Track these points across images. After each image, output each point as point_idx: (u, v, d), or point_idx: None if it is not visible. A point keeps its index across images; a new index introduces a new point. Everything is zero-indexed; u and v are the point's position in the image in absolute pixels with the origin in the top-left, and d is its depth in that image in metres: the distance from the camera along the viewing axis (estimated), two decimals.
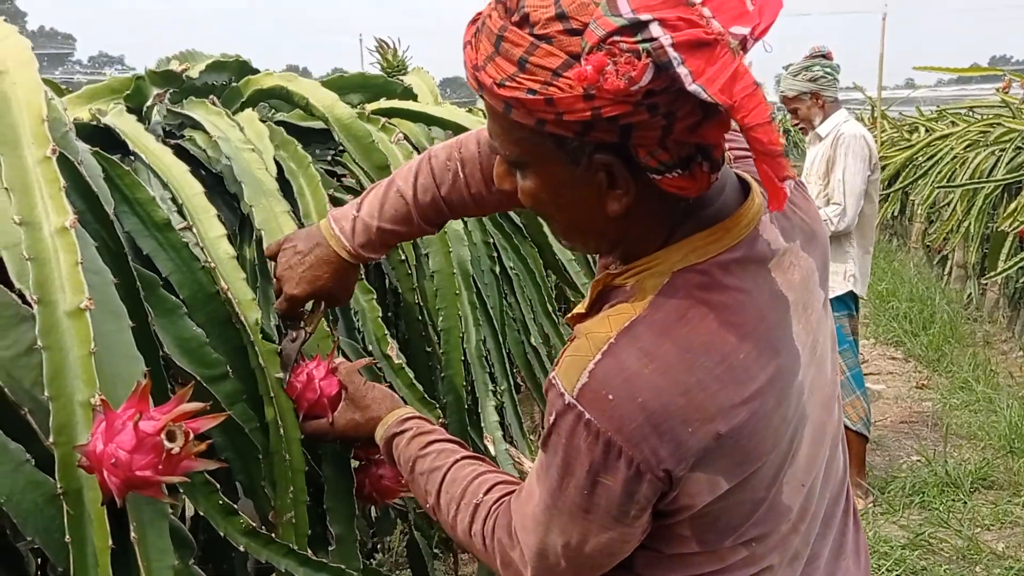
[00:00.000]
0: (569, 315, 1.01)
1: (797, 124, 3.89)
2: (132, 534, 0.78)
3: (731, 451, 0.85)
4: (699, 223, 0.87)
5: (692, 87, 0.70)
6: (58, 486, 0.77)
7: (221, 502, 1.06)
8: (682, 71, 0.70)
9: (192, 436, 0.82)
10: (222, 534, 1.07)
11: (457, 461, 1.08)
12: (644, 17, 0.70)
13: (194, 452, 0.83)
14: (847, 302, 3.68)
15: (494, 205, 1.24)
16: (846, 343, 3.66)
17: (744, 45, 0.73)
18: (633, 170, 0.80)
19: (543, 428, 0.89)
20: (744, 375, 0.83)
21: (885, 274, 8.28)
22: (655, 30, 0.70)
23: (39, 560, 1.07)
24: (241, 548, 1.09)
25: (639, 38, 0.70)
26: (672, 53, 0.70)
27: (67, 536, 0.76)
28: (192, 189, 1.16)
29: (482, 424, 1.70)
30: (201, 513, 1.06)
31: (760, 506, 0.92)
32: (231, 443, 1.14)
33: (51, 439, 0.78)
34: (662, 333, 0.83)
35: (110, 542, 0.76)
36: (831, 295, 4.36)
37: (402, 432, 1.13)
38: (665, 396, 0.81)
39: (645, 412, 0.81)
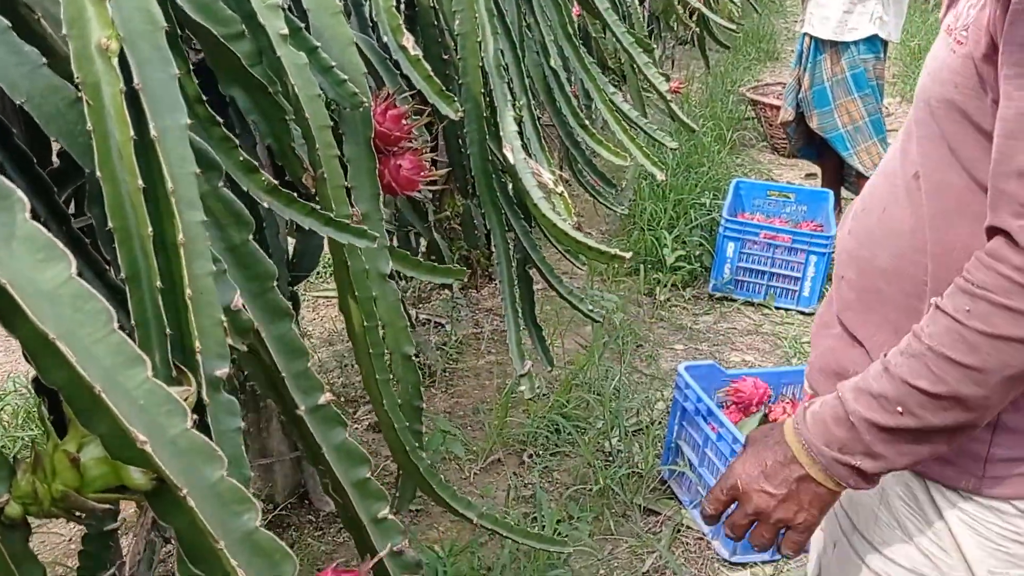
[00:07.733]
0: None
1: None
2: (152, 132, 0.77)
3: None
4: None
5: None
6: (76, 76, 0.76)
7: (242, 158, 1.05)
8: None
9: None
10: (245, 190, 1.07)
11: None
12: None
13: None
14: (873, 44, 3.56)
15: None
16: (867, 87, 3.57)
17: None
18: None
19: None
20: None
21: (918, 31, 7.93)
22: None
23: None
24: (265, 205, 1.10)
25: None
26: None
27: (89, 125, 0.75)
28: None
29: (500, 133, 1.68)
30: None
31: None
32: (256, 105, 1.12)
33: (64, 31, 0.76)
34: None
35: (131, 134, 0.76)
36: (855, 37, 4.12)
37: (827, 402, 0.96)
38: None
39: None
